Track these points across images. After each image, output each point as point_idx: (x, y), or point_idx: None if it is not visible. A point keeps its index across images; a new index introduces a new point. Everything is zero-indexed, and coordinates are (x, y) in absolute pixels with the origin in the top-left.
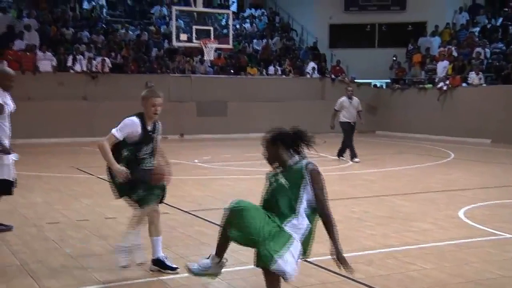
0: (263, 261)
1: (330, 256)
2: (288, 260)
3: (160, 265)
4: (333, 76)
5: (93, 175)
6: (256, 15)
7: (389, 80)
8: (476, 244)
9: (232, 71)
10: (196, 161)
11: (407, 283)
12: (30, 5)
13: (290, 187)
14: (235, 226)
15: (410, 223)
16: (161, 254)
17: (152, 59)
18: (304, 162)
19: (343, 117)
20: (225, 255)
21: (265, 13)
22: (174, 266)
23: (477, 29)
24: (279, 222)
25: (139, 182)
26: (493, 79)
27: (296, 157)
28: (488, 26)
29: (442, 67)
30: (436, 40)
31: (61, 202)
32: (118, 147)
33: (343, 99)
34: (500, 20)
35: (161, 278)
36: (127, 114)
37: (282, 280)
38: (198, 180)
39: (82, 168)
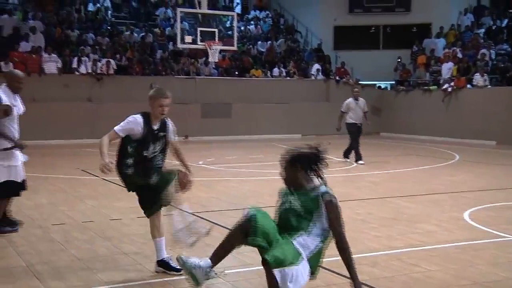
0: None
1: (334, 259)
2: (289, 275)
3: (165, 266)
4: (337, 78)
5: (98, 176)
6: (261, 17)
7: (393, 82)
8: (481, 246)
9: (236, 72)
10: (200, 162)
11: (411, 285)
12: (35, 7)
13: (304, 212)
14: (253, 231)
15: (414, 224)
16: (165, 256)
17: (157, 61)
18: (321, 190)
19: (350, 118)
20: (230, 256)
21: (270, 15)
22: (179, 267)
23: (482, 30)
24: (288, 236)
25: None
26: (498, 81)
27: (315, 182)
28: (493, 27)
29: (447, 68)
30: (441, 42)
31: (66, 203)
32: (124, 143)
33: (350, 100)
34: (505, 21)
35: (165, 279)
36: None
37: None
38: (203, 182)
39: (87, 169)
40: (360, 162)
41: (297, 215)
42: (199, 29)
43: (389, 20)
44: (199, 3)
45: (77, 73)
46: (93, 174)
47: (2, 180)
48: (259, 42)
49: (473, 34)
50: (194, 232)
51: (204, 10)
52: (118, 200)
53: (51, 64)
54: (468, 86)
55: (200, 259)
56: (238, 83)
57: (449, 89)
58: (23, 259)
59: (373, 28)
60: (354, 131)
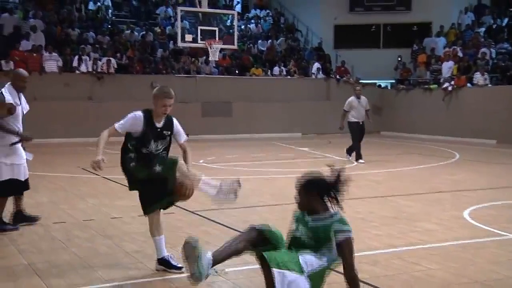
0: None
1: None
2: (288, 279)
3: (165, 264)
4: (338, 77)
5: (98, 175)
6: (261, 16)
7: (394, 81)
8: (482, 245)
9: (237, 71)
10: (201, 161)
11: (412, 283)
12: (36, 6)
13: (315, 240)
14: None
15: (415, 223)
16: (166, 254)
17: (157, 60)
18: (335, 219)
19: (352, 117)
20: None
21: (270, 14)
22: (180, 265)
23: (483, 29)
24: (295, 250)
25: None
26: (498, 80)
27: (330, 211)
28: (494, 26)
29: (447, 67)
30: (441, 41)
31: (67, 202)
32: (126, 140)
33: (352, 98)
34: (506, 20)
35: (166, 277)
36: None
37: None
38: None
39: (87, 168)
40: (361, 161)
41: (308, 246)
42: (199, 27)
43: (390, 19)
44: (200, 2)
45: (77, 72)
46: (93, 173)
47: (5, 178)
48: (260, 41)
49: (474, 33)
50: (228, 190)
51: (205, 9)
52: (119, 199)
53: (52, 63)
54: (469, 85)
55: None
56: (239, 82)
57: (450, 88)
58: (24, 257)
59: (374, 27)
60: (356, 130)
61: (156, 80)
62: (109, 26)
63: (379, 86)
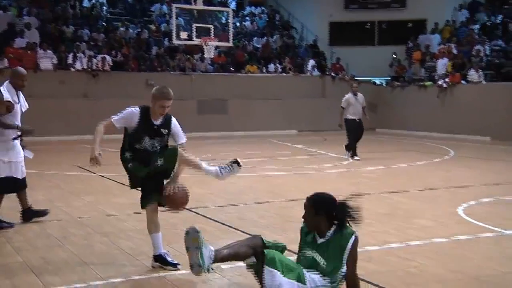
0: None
1: None
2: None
3: (161, 261)
4: (333, 74)
5: (94, 173)
6: (256, 13)
7: (389, 78)
8: (476, 241)
9: (232, 68)
10: (196, 159)
11: (407, 279)
12: (30, 3)
13: (326, 263)
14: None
15: (410, 220)
16: (162, 251)
17: (152, 57)
18: (348, 234)
19: (349, 114)
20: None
21: (265, 11)
22: (175, 262)
23: (477, 26)
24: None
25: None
26: (492, 77)
27: (336, 228)
28: (488, 23)
29: (442, 64)
30: (436, 38)
31: (62, 199)
32: (124, 137)
33: (349, 95)
34: (500, 17)
35: (162, 274)
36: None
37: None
38: (199, 178)
39: (83, 166)
40: (356, 158)
41: (318, 266)
42: (194, 25)
43: (385, 16)
44: None
45: (72, 69)
46: (89, 170)
47: (2, 176)
48: (255, 38)
49: (468, 30)
50: (228, 169)
51: (200, 6)
52: (114, 196)
53: (47, 60)
54: (463, 82)
55: (213, 249)
56: (234, 79)
57: (444, 85)
58: (20, 255)
59: (369, 24)
60: (353, 127)
61: (151, 77)
62: (104, 23)
63: (374, 83)
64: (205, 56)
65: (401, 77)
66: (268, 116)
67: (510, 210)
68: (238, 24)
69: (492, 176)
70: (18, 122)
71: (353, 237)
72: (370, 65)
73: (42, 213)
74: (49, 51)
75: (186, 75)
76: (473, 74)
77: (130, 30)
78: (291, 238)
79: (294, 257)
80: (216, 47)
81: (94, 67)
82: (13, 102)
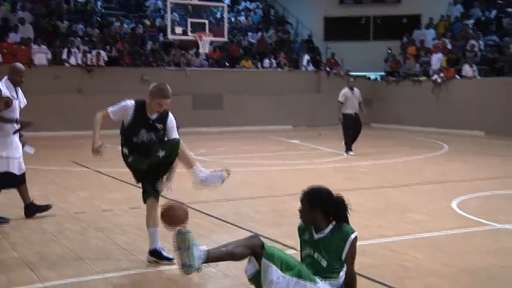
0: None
1: None
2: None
3: (157, 255)
4: (328, 69)
5: (89, 168)
6: (251, 8)
7: (383, 73)
8: (470, 235)
9: (227, 64)
10: (191, 154)
11: (401, 273)
12: None
13: (326, 261)
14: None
15: (404, 214)
16: (158, 245)
17: (147, 53)
18: (349, 231)
19: (346, 108)
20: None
21: (260, 6)
22: (171, 256)
23: (471, 21)
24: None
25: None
26: (487, 72)
27: (335, 225)
28: (482, 18)
29: (436, 59)
30: (431, 33)
31: (58, 195)
32: (120, 131)
33: (346, 90)
34: (494, 12)
35: (158, 269)
36: None
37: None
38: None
39: (78, 161)
40: (351, 153)
41: (322, 270)
42: (189, 20)
43: (379, 11)
44: None
45: (67, 64)
46: (84, 166)
47: (1, 171)
48: (250, 33)
49: (462, 25)
50: (217, 179)
51: (194, 1)
52: (109, 191)
53: (41, 55)
54: (457, 77)
55: (202, 248)
56: (229, 74)
57: (439, 80)
58: (16, 250)
59: (363, 19)
60: (349, 122)
61: (146, 73)
62: (99, 18)
63: (369, 78)
64: (200, 51)
65: (395, 72)
66: (263, 111)
67: (503, 204)
68: (233, 19)
69: (486, 170)
70: (16, 117)
71: (353, 235)
72: (365, 60)
73: (45, 207)
74: (43, 46)
75: (181, 70)
76: (467, 69)
77: (125, 25)
78: (285, 233)
79: (290, 252)
80: (211, 42)
81: (88, 63)
82: (11, 98)
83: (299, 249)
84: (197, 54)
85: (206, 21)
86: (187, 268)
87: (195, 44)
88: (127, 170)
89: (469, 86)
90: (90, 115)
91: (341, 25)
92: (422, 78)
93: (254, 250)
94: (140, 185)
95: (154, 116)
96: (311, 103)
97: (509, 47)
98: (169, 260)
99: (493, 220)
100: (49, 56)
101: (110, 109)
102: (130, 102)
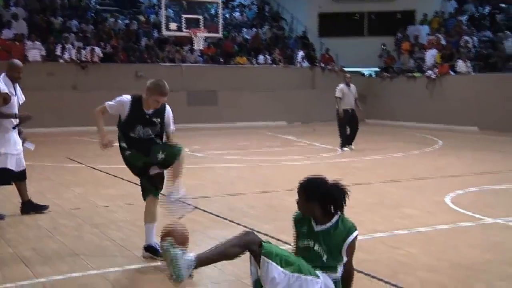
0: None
1: None
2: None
3: (152, 251)
4: (322, 65)
5: (84, 164)
6: (246, 4)
7: (378, 69)
8: (463, 229)
9: (222, 60)
10: (186, 150)
11: (394, 267)
12: None
13: (326, 254)
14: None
15: (398, 209)
16: (154, 241)
17: (142, 49)
18: (351, 228)
19: (342, 105)
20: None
21: (255, 2)
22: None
23: (465, 17)
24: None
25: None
26: (481, 67)
27: (334, 217)
28: (476, 14)
29: (431, 55)
30: (425, 29)
31: (53, 191)
32: (118, 126)
33: (342, 86)
34: (488, 8)
35: (153, 264)
36: None
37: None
38: (189, 169)
39: (73, 157)
40: (345, 148)
41: (321, 263)
42: (184, 16)
43: (374, 7)
44: None
45: (61, 60)
46: (79, 162)
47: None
48: (244, 30)
49: (456, 21)
50: (180, 209)
51: None
52: (104, 187)
53: (35, 51)
54: (451, 72)
55: (183, 252)
56: (224, 70)
57: (433, 76)
58: (11, 246)
59: (358, 15)
60: (345, 118)
61: (141, 69)
62: (93, 14)
63: (363, 74)
64: (195, 48)
65: (390, 68)
66: (258, 107)
67: (496, 199)
68: (227, 15)
69: (479, 165)
70: (15, 112)
71: (355, 233)
72: (359, 56)
73: (42, 207)
74: (37, 43)
75: (175, 66)
76: (461, 65)
77: (119, 21)
78: (280, 228)
79: (285, 247)
80: (206, 39)
81: (83, 59)
82: (10, 94)
83: (293, 241)
84: (191, 50)
85: (201, 17)
86: (174, 279)
87: (189, 40)
88: (122, 166)
89: (463, 82)
90: (85, 111)
91: (335, 21)
92: (417, 75)
93: (250, 247)
94: (137, 181)
95: (150, 111)
96: (306, 99)
97: (502, 42)
98: None
99: (486, 215)
100: (43, 52)
101: (108, 103)
102: (127, 98)
